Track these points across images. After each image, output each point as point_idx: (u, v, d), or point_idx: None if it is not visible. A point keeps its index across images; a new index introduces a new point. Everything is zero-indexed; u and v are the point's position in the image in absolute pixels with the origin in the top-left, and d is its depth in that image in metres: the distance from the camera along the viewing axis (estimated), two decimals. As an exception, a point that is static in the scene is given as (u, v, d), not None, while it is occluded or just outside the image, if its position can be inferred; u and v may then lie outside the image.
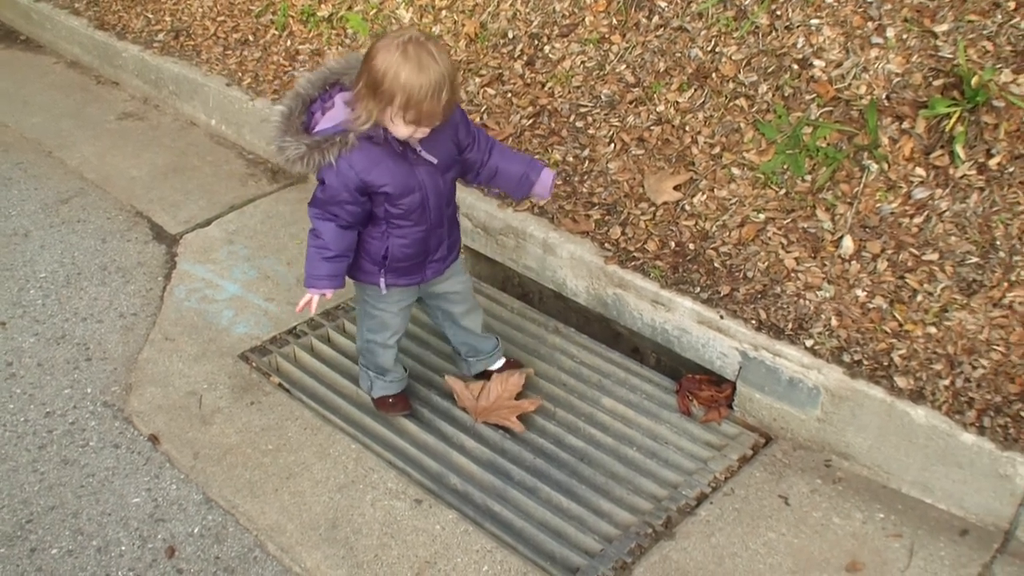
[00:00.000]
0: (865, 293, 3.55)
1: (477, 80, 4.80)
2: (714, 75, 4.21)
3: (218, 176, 5.18)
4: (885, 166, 3.75)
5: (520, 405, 3.68)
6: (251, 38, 5.72)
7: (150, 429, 3.63)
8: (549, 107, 4.53)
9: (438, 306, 3.67)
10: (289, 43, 5.58)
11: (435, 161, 3.13)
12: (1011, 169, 3.59)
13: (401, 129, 2.93)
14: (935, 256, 3.55)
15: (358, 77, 2.92)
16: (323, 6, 5.56)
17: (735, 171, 3.98)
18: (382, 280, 3.34)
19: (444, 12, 5.16)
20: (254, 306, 4.25)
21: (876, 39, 3.95)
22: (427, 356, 4.01)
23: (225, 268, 4.49)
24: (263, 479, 3.43)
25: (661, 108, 4.26)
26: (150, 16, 6.26)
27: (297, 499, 3.35)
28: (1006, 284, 3.43)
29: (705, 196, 3.97)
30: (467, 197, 4.28)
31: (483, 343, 3.78)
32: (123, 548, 3.20)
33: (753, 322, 3.57)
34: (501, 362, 3.85)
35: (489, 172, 3.36)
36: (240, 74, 5.50)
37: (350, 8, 5.46)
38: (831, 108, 3.93)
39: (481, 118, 4.62)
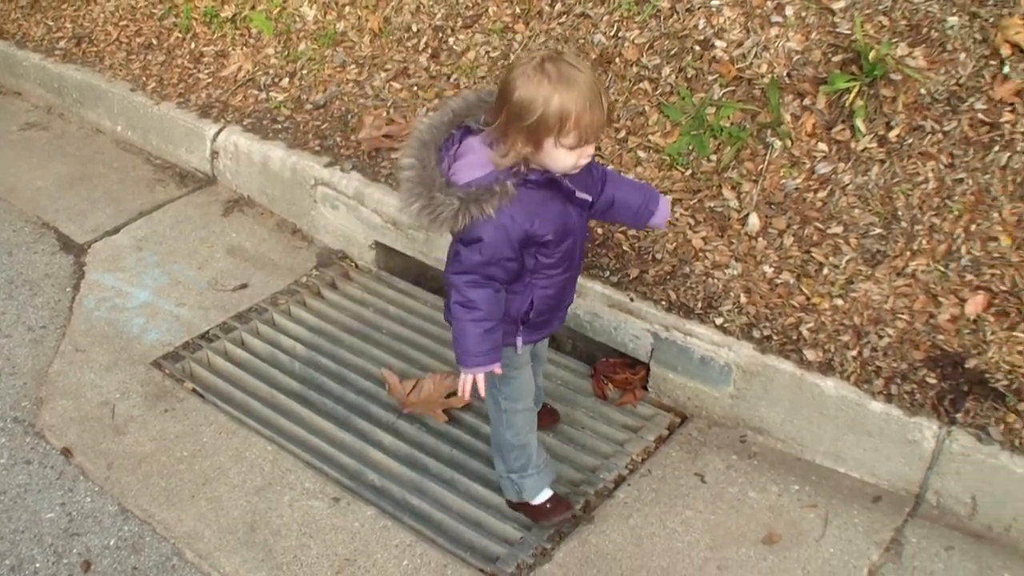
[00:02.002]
0: (772, 269, 3.58)
1: (383, 75, 4.78)
2: (617, 60, 4.22)
3: (125, 183, 5.11)
4: (788, 143, 3.79)
5: (449, 402, 3.68)
6: (155, 42, 5.65)
7: (62, 442, 3.56)
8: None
9: None
10: (193, 45, 5.51)
11: (590, 199, 2.82)
12: (910, 140, 3.64)
13: (565, 158, 2.59)
14: (839, 229, 3.59)
15: (498, 115, 2.59)
16: (226, 7, 5.50)
17: (641, 154, 3.99)
18: (519, 339, 2.95)
19: (348, 8, 5.13)
20: (165, 312, 4.20)
21: (776, 18, 3.98)
22: (339, 352, 3.98)
23: (135, 275, 4.42)
24: (179, 486, 3.38)
25: (566, 95, 4.26)
26: (51, 23, 6.15)
27: (214, 504, 3.32)
28: (908, 253, 3.47)
29: (613, 180, 3.99)
30: (374, 192, 4.26)
31: (541, 392, 3.46)
32: (37, 565, 3.13)
33: (663, 303, 3.58)
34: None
35: (605, 203, 3.01)
36: (144, 79, 5.42)
37: (253, 8, 5.41)
38: (733, 88, 3.96)
39: (388, 112, 4.60)
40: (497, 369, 2.84)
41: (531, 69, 2.51)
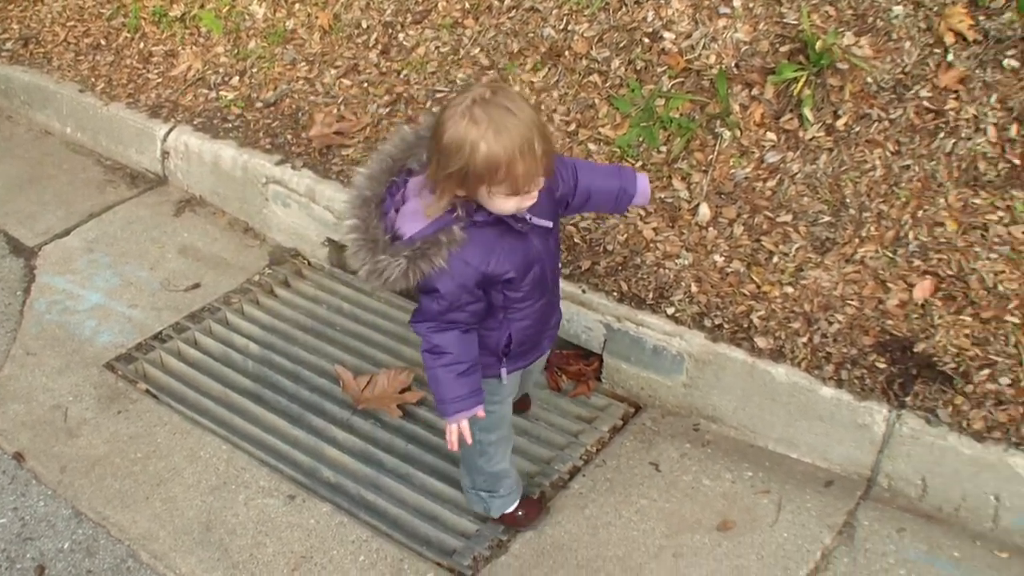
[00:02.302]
0: (723, 258, 3.60)
1: (333, 72, 4.77)
2: (567, 53, 4.23)
3: (75, 185, 5.06)
4: (737, 133, 3.81)
5: (403, 397, 3.68)
6: (103, 42, 5.60)
7: (14, 447, 3.53)
8: (406, 94, 4.51)
9: None
10: (142, 45, 5.47)
11: (550, 225, 2.65)
12: (857, 129, 3.67)
13: (504, 204, 2.44)
14: (789, 218, 3.62)
15: (430, 161, 2.45)
16: (175, 6, 5.46)
17: (591, 147, 4.00)
18: (503, 371, 2.84)
19: (297, 5, 5.11)
20: (117, 314, 4.17)
21: (724, 9, 4.00)
22: (293, 350, 3.96)
23: (86, 277, 4.39)
24: (133, 488, 3.37)
25: (516, 89, 4.27)
26: (-3, 25, 6.10)
27: (169, 505, 3.30)
28: (857, 240, 3.50)
29: (564, 173, 4.00)
30: (326, 189, 4.25)
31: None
32: (-10, 570, 3.12)
33: (615, 294, 3.60)
34: None
35: (581, 198, 2.86)
36: (93, 79, 5.38)
37: (202, 6, 5.38)
38: (683, 79, 3.98)
39: (339, 109, 4.59)
40: (480, 413, 2.72)
41: (460, 111, 2.34)
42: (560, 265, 2.96)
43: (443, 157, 2.37)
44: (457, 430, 2.73)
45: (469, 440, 2.75)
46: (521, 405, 3.56)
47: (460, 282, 2.53)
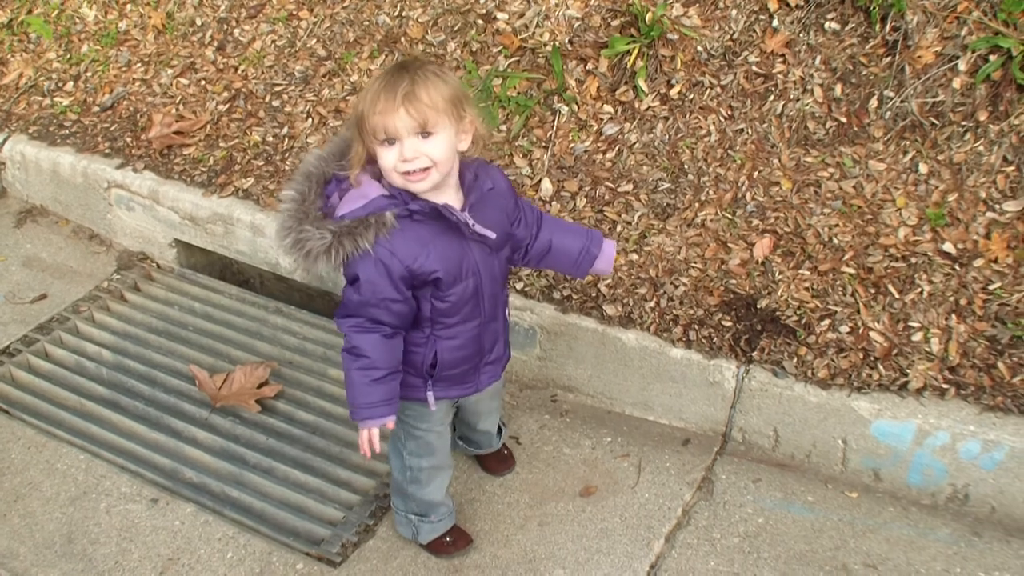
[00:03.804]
0: (569, 231, 3.65)
1: (169, 71, 4.70)
2: (403, 39, 4.25)
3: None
4: (575, 107, 3.87)
5: (261, 392, 3.66)
6: (-73, 55, 5.44)
7: None
8: (244, 90, 4.48)
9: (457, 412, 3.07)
10: (-31, 56, 5.33)
11: (492, 236, 2.53)
12: (691, 96, 3.76)
13: (385, 156, 2.39)
14: (630, 187, 3.69)
15: None
16: (1, 13, 5.32)
17: (434, 130, 4.02)
18: (430, 395, 2.72)
19: (129, 6, 5.02)
20: (-39, 330, 4.07)
21: (555, -13, 4.06)
22: (147, 354, 3.91)
23: (-75, 296, 4.27)
24: (-11, 506, 3.30)
25: (355, 78, 4.27)
26: None
27: (28, 520, 3.23)
28: (697, 204, 3.59)
29: (408, 158, 4.01)
30: (169, 190, 4.20)
31: (491, 439, 3.27)
32: None
33: (466, 273, 3.63)
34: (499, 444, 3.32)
35: (540, 249, 2.81)
36: (-80, 94, 5.22)
37: (30, 12, 5.25)
38: (518, 58, 4.02)
39: (178, 109, 4.53)
40: (390, 424, 2.63)
41: None
42: (507, 299, 2.84)
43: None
44: (367, 437, 2.63)
45: (377, 449, 2.64)
46: (497, 467, 3.34)
47: (383, 271, 2.45)
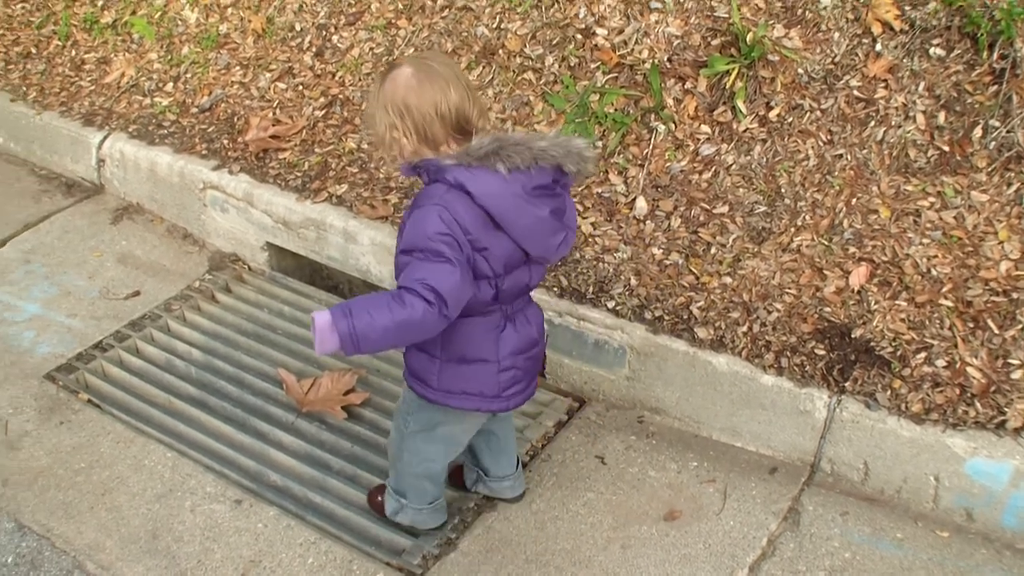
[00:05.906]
0: (661, 251, 3.63)
1: (267, 75, 4.75)
2: (501, 51, 4.25)
3: (9, 195, 5.00)
4: (672, 126, 3.85)
5: (347, 399, 3.67)
6: (34, 51, 5.54)
7: (-46, 462, 3.50)
8: (341, 96, 4.51)
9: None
10: (74, 53, 5.42)
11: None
12: (790, 119, 3.72)
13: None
14: (725, 209, 3.66)
15: None
16: (106, 13, 5.41)
17: (529, 144, 4.02)
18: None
19: (230, 10, 5.08)
20: (57, 324, 4.12)
21: (655, 4, 4.04)
22: (236, 355, 3.95)
23: (23, 288, 4.34)
24: (78, 498, 3.33)
25: (452, 88, 4.28)
26: (-76, 37, 6.01)
27: (115, 514, 3.27)
28: (793, 229, 3.55)
29: (502, 171, 4.01)
30: (263, 193, 4.24)
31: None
32: (-68, 588, 3.08)
33: (555, 289, 3.62)
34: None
35: None
36: (25, 88, 5.32)
37: (134, 12, 5.34)
38: (616, 74, 4.00)
39: (274, 113, 4.57)
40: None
41: None
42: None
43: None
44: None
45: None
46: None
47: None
